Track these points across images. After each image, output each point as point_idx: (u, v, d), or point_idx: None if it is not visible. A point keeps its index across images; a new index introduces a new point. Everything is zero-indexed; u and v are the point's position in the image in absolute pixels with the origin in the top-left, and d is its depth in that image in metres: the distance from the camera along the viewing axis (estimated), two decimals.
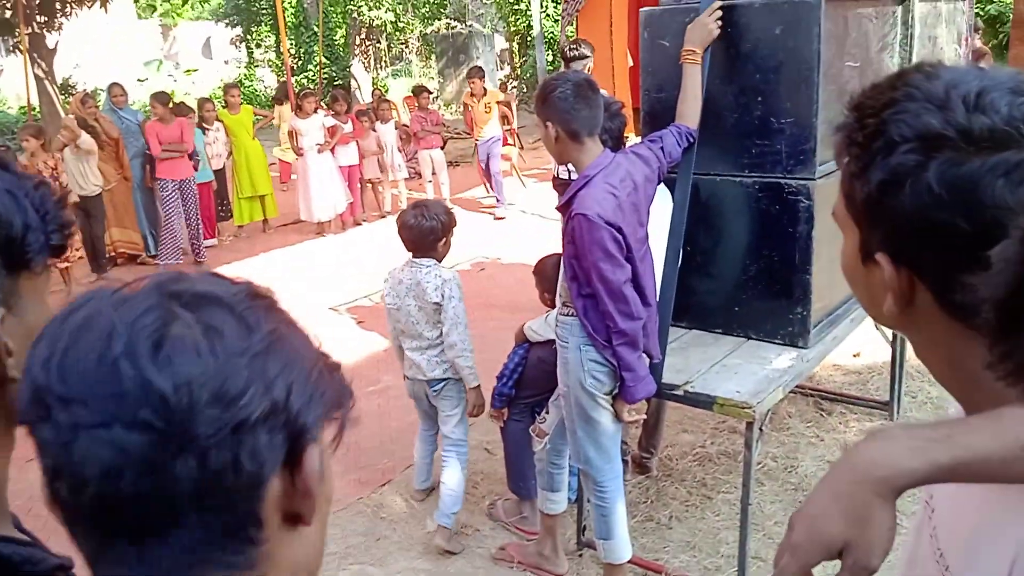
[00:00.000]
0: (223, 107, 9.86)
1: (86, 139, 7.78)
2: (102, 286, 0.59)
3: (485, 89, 9.78)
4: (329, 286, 7.44)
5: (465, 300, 3.38)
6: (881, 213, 0.74)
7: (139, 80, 24.37)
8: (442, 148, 10.39)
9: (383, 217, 10.21)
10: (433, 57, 22.98)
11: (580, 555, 3.37)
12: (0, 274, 0.80)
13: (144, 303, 0.56)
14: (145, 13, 29.04)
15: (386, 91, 19.90)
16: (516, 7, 20.28)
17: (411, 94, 12.42)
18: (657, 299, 2.80)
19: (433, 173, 10.10)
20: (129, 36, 28.20)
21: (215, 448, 0.54)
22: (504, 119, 10.16)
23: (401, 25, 22.98)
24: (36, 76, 13.41)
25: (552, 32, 16.96)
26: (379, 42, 23.98)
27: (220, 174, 9.54)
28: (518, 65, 21.16)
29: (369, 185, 10.63)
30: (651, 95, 3.15)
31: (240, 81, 21.43)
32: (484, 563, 3.37)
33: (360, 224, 10.06)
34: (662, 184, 2.85)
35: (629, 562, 2.99)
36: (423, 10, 22.73)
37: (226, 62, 28.45)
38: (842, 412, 4.34)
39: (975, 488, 0.76)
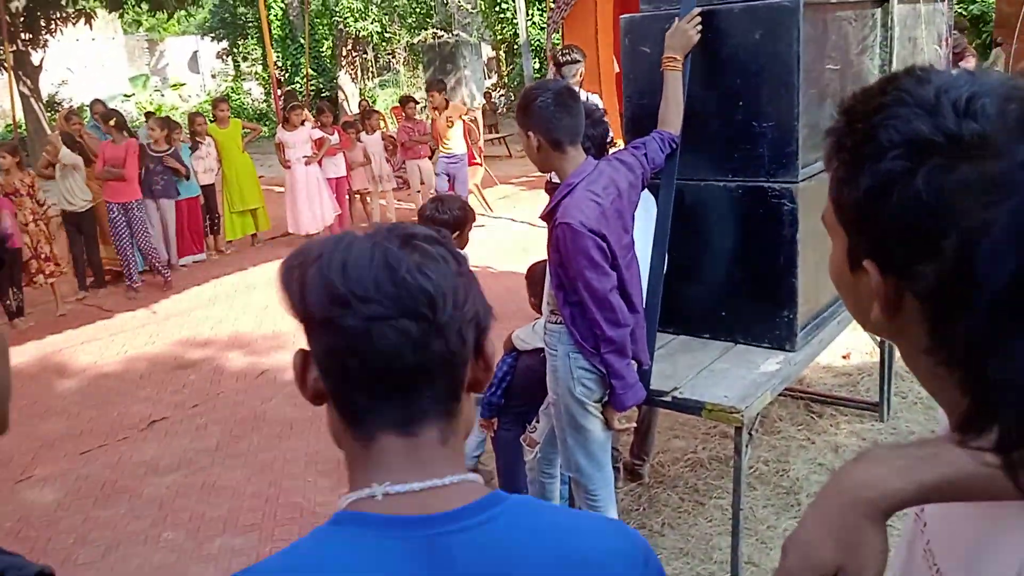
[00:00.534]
0: (211, 121, 9.82)
1: (66, 153, 7.74)
2: (348, 231, 0.86)
3: (447, 101, 9.55)
4: None
5: None
6: (869, 220, 0.72)
7: (125, 96, 24.36)
8: (430, 158, 10.35)
9: None
10: (420, 67, 22.98)
11: None
12: None
13: (394, 241, 0.82)
14: (131, 28, 29.02)
15: (374, 102, 19.91)
16: (502, 16, 20.35)
17: (398, 104, 12.42)
18: (644, 305, 2.80)
19: (421, 183, 10.06)
20: (115, 52, 28.21)
21: (453, 335, 0.81)
22: (468, 134, 9.88)
23: (388, 35, 22.97)
24: (22, 93, 13.41)
25: (538, 40, 17.03)
26: (366, 53, 23.98)
27: (210, 189, 9.49)
28: (505, 73, 21.22)
29: (357, 196, 10.61)
30: (633, 101, 3.15)
31: (227, 95, 21.41)
32: None
33: None
34: (646, 190, 2.85)
35: None
36: (409, 20, 22.75)
37: (213, 76, 28.46)
38: (832, 414, 4.34)
39: (969, 502, 0.75)
